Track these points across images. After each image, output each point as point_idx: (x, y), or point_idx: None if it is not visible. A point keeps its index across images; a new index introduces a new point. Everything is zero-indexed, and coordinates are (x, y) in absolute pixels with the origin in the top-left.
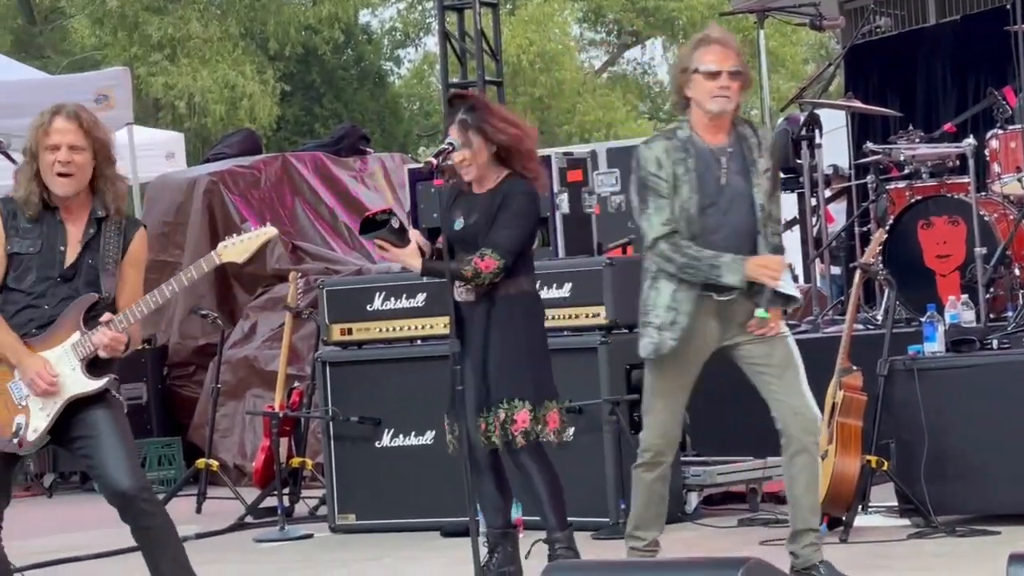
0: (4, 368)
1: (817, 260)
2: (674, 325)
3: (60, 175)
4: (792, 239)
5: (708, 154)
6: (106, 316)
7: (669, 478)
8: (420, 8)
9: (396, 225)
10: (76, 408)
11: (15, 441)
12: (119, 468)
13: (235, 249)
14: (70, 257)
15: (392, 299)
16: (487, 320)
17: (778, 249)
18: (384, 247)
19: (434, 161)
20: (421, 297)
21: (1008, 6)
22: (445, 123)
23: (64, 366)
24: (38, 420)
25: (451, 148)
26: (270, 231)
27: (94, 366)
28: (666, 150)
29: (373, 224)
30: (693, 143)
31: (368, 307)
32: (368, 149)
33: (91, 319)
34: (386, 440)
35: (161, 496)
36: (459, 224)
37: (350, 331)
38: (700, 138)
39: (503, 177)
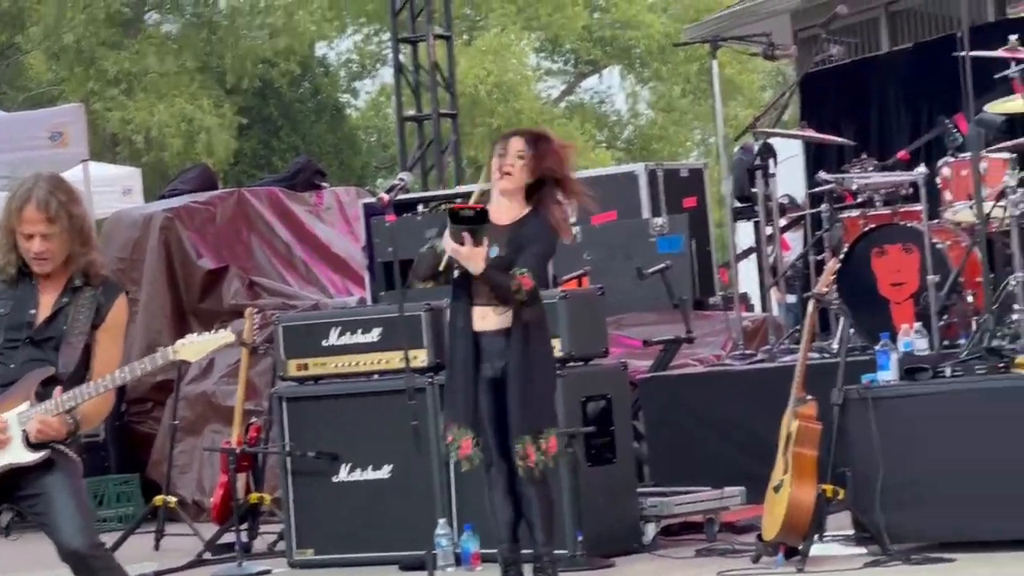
0: None
1: (773, 289)
2: None
3: (36, 259)
4: (748, 268)
5: None
6: (57, 391)
7: None
8: (376, 40)
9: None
10: (26, 469)
11: None
12: (71, 527)
13: (192, 348)
14: (40, 321)
15: (348, 334)
16: (523, 347)
17: None
18: (464, 241)
19: (386, 197)
20: (376, 332)
21: (959, 34)
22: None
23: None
24: None
25: (403, 183)
26: (228, 337)
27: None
28: None
29: (460, 216)
30: None
31: (324, 342)
32: (323, 183)
33: (46, 392)
34: (343, 474)
35: (119, 534)
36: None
37: (306, 366)
38: None
39: (527, 211)
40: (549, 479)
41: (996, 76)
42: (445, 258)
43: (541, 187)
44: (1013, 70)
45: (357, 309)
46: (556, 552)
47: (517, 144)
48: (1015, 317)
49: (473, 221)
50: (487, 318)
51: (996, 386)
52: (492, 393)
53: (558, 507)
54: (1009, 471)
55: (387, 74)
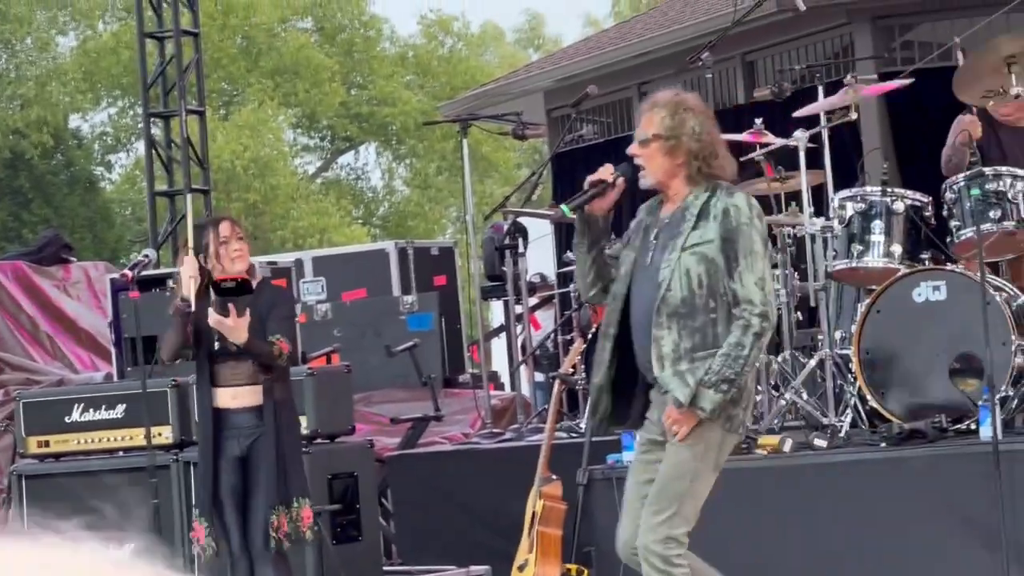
0: None
1: (523, 367)
2: None
3: None
4: (499, 346)
5: None
6: None
7: None
8: (131, 113)
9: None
10: None
11: None
12: None
13: None
14: None
15: (91, 410)
16: (275, 422)
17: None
18: (227, 312)
19: (129, 273)
20: (120, 408)
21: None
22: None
23: None
24: None
25: (147, 259)
26: None
27: None
28: None
29: (222, 288)
30: None
31: (66, 419)
32: (71, 258)
33: None
34: None
35: None
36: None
37: (47, 443)
38: None
39: (257, 283)
40: (288, 559)
41: (743, 159)
42: (188, 290)
43: None
44: (758, 153)
45: (100, 385)
46: None
47: (232, 227)
48: (759, 398)
49: (236, 292)
50: (238, 397)
51: (739, 467)
52: (237, 472)
53: None
54: (751, 550)
55: (142, 148)
